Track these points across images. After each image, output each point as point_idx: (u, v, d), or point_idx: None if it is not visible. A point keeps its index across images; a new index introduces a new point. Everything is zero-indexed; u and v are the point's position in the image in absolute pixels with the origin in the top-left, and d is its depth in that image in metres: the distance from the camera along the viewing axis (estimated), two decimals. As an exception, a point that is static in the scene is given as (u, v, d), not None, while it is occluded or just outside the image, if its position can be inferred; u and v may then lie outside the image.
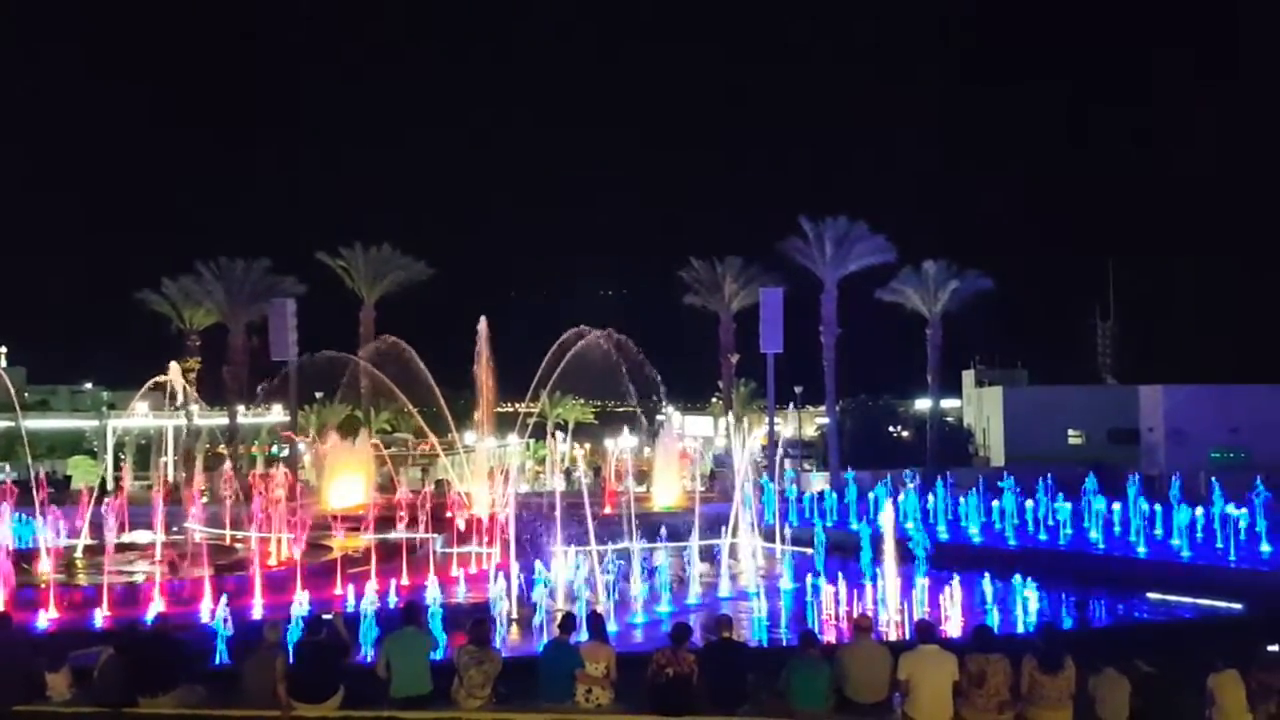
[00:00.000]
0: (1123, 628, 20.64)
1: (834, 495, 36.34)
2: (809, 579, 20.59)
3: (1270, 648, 11.82)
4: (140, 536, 28.09)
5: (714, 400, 54.48)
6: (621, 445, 43.81)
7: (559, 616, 14.76)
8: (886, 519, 22.69)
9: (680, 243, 79.71)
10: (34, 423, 47.97)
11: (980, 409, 61.77)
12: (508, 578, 20.73)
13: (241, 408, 50.77)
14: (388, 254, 54.70)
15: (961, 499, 32.94)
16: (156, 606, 19.49)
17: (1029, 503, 31.20)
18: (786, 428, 59.49)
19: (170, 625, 13.85)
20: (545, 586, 19.91)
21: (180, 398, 42.53)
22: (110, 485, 31.96)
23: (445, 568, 24.09)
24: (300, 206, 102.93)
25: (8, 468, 31.84)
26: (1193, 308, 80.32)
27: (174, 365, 43.85)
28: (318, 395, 56.96)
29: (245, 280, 51.03)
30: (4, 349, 63.86)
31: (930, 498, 33.79)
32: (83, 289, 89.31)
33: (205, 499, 32.89)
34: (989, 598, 19.78)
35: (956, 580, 19.51)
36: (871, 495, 33.07)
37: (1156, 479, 31.17)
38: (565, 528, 23.45)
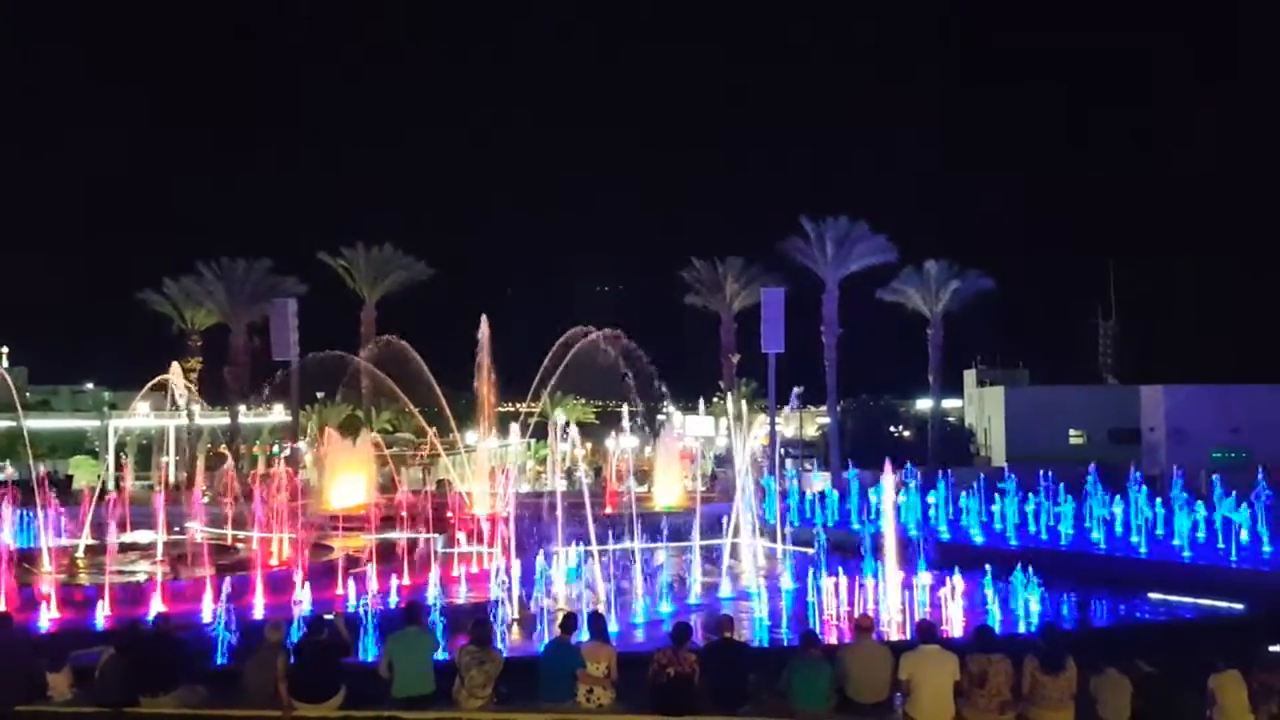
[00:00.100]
0: (1124, 628, 20.61)
1: (835, 495, 36.36)
2: (810, 579, 20.59)
3: (1272, 648, 11.81)
4: (141, 536, 28.12)
5: (715, 400, 54.47)
6: (623, 445, 43.84)
7: (560, 616, 14.76)
8: (888, 497, 22.62)
9: (680, 243, 79.92)
10: (35, 423, 48.00)
11: (981, 409, 61.77)
12: (508, 578, 20.75)
13: (243, 408, 50.82)
14: (389, 254, 54.74)
15: (964, 494, 32.99)
16: (157, 606, 19.48)
17: (1031, 503, 31.20)
18: (787, 428, 59.52)
19: (171, 625, 13.83)
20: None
21: (182, 398, 42.59)
22: (111, 485, 31.95)
23: (447, 567, 24.09)
24: (301, 206, 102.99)
25: (9, 466, 31.84)
26: (1194, 308, 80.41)
27: (175, 365, 43.92)
28: (319, 395, 57.03)
29: (246, 280, 51.08)
30: (5, 349, 63.90)
31: (931, 497, 33.81)
32: (84, 289, 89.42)
33: (207, 499, 32.96)
34: (990, 598, 19.79)
35: (958, 579, 19.50)
36: (872, 496, 33.06)
37: (1158, 479, 31.13)
38: (566, 527, 23.46)
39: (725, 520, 26.58)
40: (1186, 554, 26.26)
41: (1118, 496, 30.16)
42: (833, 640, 17.40)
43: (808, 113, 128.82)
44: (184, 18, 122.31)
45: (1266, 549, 26.54)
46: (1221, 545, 26.78)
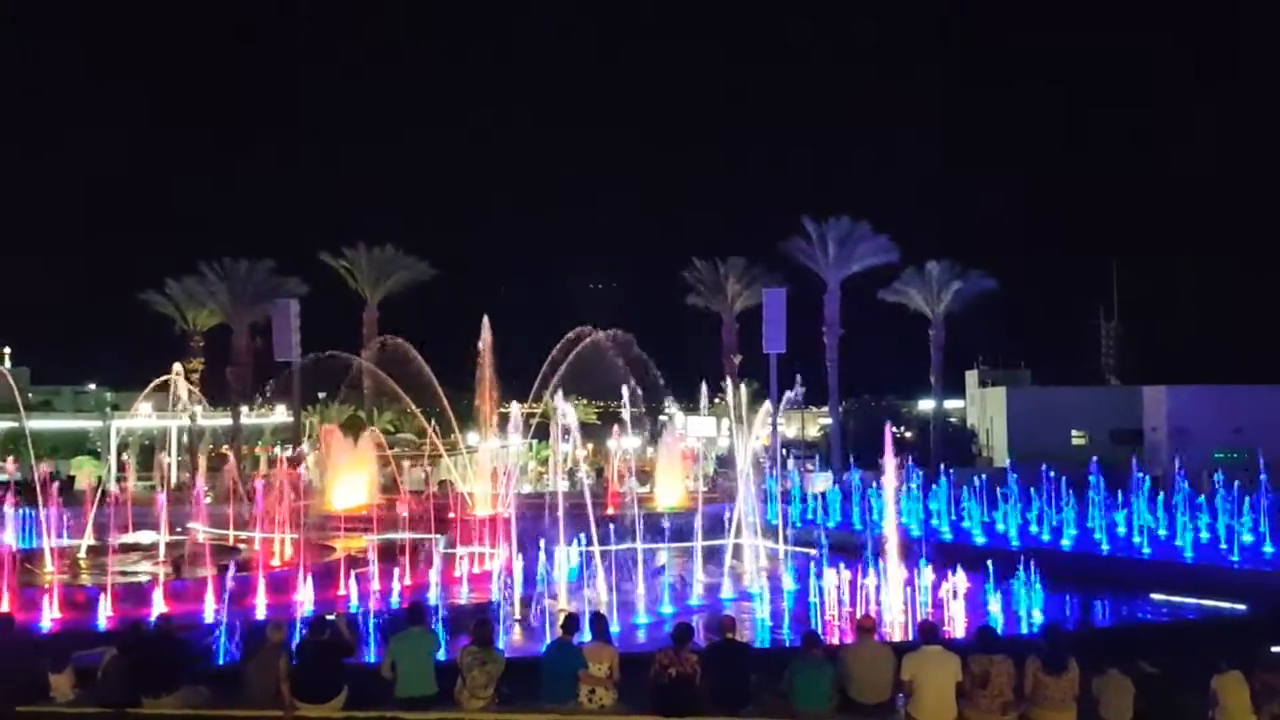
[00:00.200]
0: (1126, 628, 20.60)
1: (837, 495, 36.36)
2: (812, 579, 20.58)
3: (1274, 648, 11.79)
4: (144, 537, 28.14)
5: (716, 401, 54.49)
6: (624, 446, 43.82)
7: (562, 617, 14.76)
8: (889, 497, 22.60)
9: (681, 243, 79.82)
10: (38, 423, 48.05)
11: (984, 409, 61.72)
12: (510, 578, 20.76)
13: (245, 408, 50.86)
14: (390, 254, 54.79)
15: (965, 490, 33.03)
16: (159, 607, 19.50)
17: (1034, 507, 31.21)
18: (790, 428, 59.50)
19: (173, 625, 13.83)
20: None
21: (186, 407, 42.62)
22: (113, 485, 31.99)
23: (448, 568, 24.09)
24: (301, 206, 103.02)
25: (10, 466, 31.86)
26: (1196, 308, 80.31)
27: (178, 366, 43.92)
28: (321, 396, 57.07)
29: (249, 281, 51.12)
30: (8, 350, 63.97)
31: (933, 503, 33.81)
32: (86, 290, 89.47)
33: (209, 499, 33.00)
34: (992, 598, 19.79)
35: (961, 580, 19.49)
36: (873, 496, 33.07)
37: (1160, 479, 31.15)
38: (568, 528, 23.46)
39: (727, 520, 26.58)
40: (1189, 554, 26.26)
41: (1120, 495, 30.16)
42: (835, 641, 17.40)
43: (807, 113, 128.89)
44: (184, 18, 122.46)
45: (1268, 549, 26.55)
46: (1224, 546, 26.77)
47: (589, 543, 22.76)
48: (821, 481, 41.46)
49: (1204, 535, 28.22)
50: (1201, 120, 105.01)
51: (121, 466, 38.25)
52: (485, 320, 38.44)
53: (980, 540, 29.65)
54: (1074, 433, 53.39)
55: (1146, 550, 27.09)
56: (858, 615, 16.59)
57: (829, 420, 55.13)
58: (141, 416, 48.86)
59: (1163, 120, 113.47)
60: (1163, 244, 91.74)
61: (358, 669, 13.12)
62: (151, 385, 41.11)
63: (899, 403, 63.57)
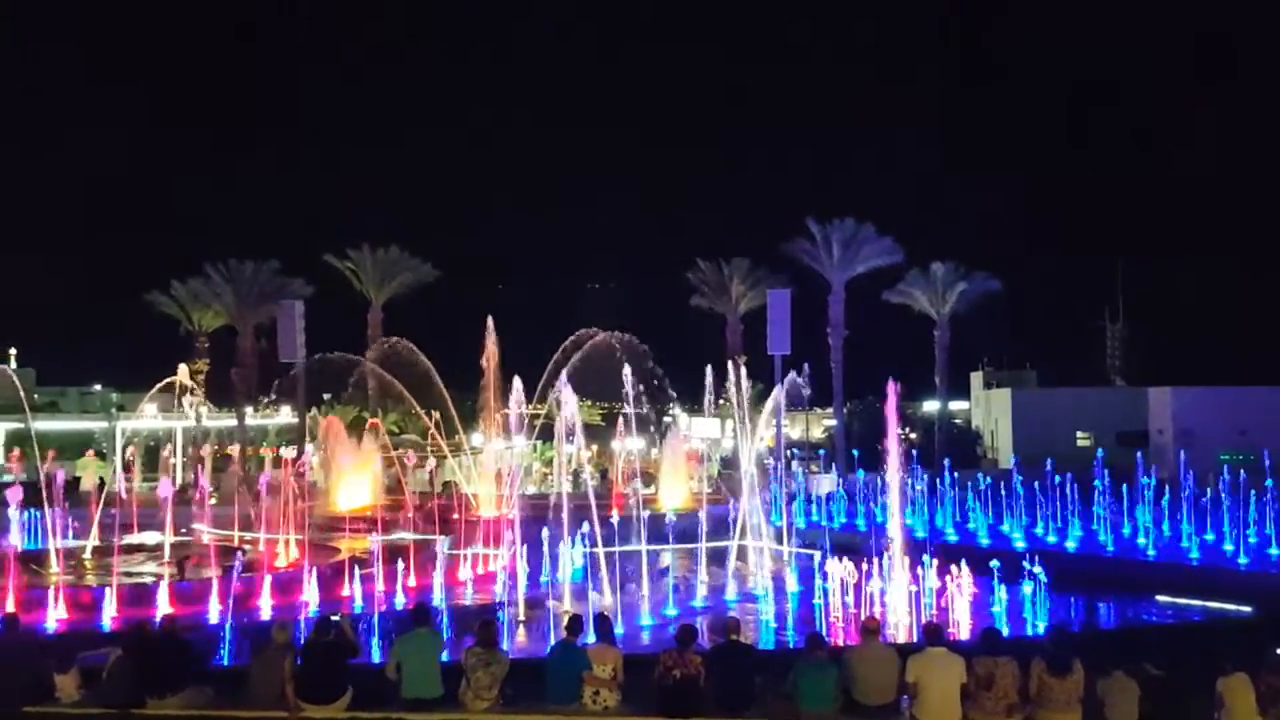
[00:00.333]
0: (1131, 630, 20.54)
1: (843, 496, 36.34)
2: (816, 581, 20.56)
3: (1280, 651, 11.77)
4: (148, 537, 28.18)
5: (720, 402, 54.54)
6: (628, 447, 43.81)
7: (566, 618, 14.76)
8: (893, 498, 22.57)
9: (683, 243, 79.89)
10: (43, 424, 48.15)
11: (989, 411, 61.62)
12: (514, 579, 20.76)
13: (250, 409, 50.92)
14: (395, 255, 54.81)
15: (970, 491, 33.03)
16: (164, 607, 19.53)
17: (1042, 515, 31.18)
18: (794, 429, 59.45)
19: (178, 626, 13.86)
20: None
21: (192, 406, 42.74)
22: (117, 486, 32.00)
23: (453, 569, 24.09)
24: (303, 207, 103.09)
25: (15, 467, 31.95)
26: (1202, 309, 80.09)
27: (182, 367, 43.97)
28: (325, 397, 57.14)
29: (254, 282, 51.17)
30: (13, 351, 64.13)
31: (937, 498, 33.78)
32: (90, 291, 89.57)
33: (214, 500, 33.04)
34: (997, 600, 19.76)
35: (967, 581, 19.47)
36: (877, 496, 33.05)
37: (1166, 481, 31.10)
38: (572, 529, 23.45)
39: (731, 522, 26.57)
40: (1194, 556, 26.20)
41: (1126, 497, 30.11)
42: (839, 642, 17.38)
43: (807, 113, 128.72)
44: (184, 18, 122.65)
45: (1274, 551, 26.48)
46: (1230, 547, 26.71)
47: (593, 544, 22.76)
48: (826, 483, 41.43)
49: (1209, 536, 28.15)
50: (1203, 120, 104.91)
51: (127, 467, 38.30)
52: (489, 321, 38.47)
53: (985, 541, 29.61)
54: (1079, 434, 53.26)
55: (1151, 552, 27.03)
56: (862, 617, 16.59)
57: (833, 421, 55.08)
58: (146, 417, 48.97)
59: (1163, 120, 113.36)
60: (1168, 245, 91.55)
61: (362, 670, 13.14)
62: (157, 386, 41.22)
63: (904, 404, 63.41)
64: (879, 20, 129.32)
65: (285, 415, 53.59)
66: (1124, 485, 30.58)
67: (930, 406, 58.35)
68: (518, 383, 34.03)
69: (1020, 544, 28.30)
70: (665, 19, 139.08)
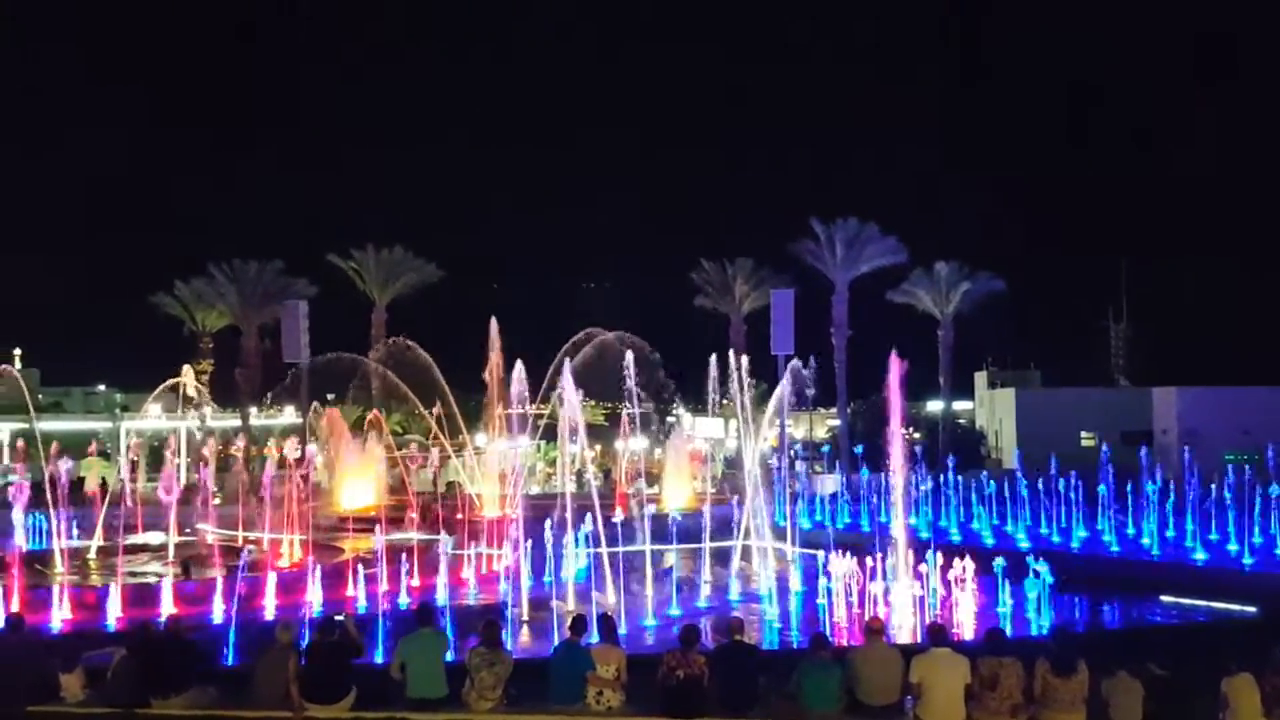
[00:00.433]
0: (1136, 630, 20.51)
1: (846, 496, 36.34)
2: (820, 581, 20.53)
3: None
4: (153, 537, 28.23)
5: (724, 402, 54.55)
6: (632, 447, 43.84)
7: (569, 618, 14.77)
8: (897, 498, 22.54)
9: (686, 244, 79.89)
10: (48, 424, 48.25)
11: (993, 411, 61.56)
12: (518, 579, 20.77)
13: (254, 409, 51.00)
14: (399, 256, 54.86)
15: (974, 491, 33.03)
16: (169, 607, 19.56)
17: (1041, 505, 31.16)
18: (798, 429, 59.40)
19: (182, 626, 13.88)
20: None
21: (197, 408, 42.82)
22: (121, 486, 32.05)
23: (456, 569, 24.10)
24: (311, 208, 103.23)
25: (19, 467, 32.00)
26: (1206, 309, 79.99)
27: (187, 368, 44.10)
28: (329, 397, 57.25)
29: (258, 282, 51.25)
30: (18, 351, 64.31)
31: (941, 498, 33.76)
32: (94, 291, 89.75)
33: (218, 500, 33.08)
34: (1001, 600, 19.74)
35: (970, 582, 19.45)
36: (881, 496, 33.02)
37: (1170, 481, 31.08)
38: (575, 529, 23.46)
39: (735, 522, 26.56)
40: (1199, 556, 26.16)
41: (1131, 497, 30.08)
42: (843, 643, 17.36)
43: (808, 113, 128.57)
44: (186, 18, 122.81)
45: (1280, 551, 26.45)
46: (1234, 547, 26.67)
47: (596, 544, 22.75)
48: (830, 483, 41.42)
49: (1214, 536, 28.11)
50: (1205, 119, 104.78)
51: (132, 467, 38.36)
52: (493, 322, 38.49)
53: (989, 541, 29.58)
54: (1083, 434, 53.19)
55: (1156, 552, 27.00)
56: (866, 617, 16.58)
57: (837, 421, 55.06)
58: (151, 418, 49.07)
59: (1165, 119, 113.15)
60: (1172, 245, 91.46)
61: (366, 669, 13.14)
62: (161, 386, 41.31)
63: (907, 404, 63.32)
64: (879, 20, 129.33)
65: (289, 415, 53.66)
66: (1129, 485, 30.55)
67: (934, 406, 58.29)
68: (519, 368, 33.92)
69: (1024, 544, 28.30)
70: (666, 19, 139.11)
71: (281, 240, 70.61)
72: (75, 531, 28.25)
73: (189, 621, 16.09)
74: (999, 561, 19.85)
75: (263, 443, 52.63)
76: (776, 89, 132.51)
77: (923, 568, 20.09)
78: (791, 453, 39.95)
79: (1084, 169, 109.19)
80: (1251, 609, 20.38)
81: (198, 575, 23.57)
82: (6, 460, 49.50)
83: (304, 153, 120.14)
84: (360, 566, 22.57)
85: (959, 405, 61.70)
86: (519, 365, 33.87)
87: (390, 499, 35.21)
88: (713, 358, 34.75)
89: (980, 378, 66.21)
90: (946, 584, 19.84)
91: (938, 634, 12.02)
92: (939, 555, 20.30)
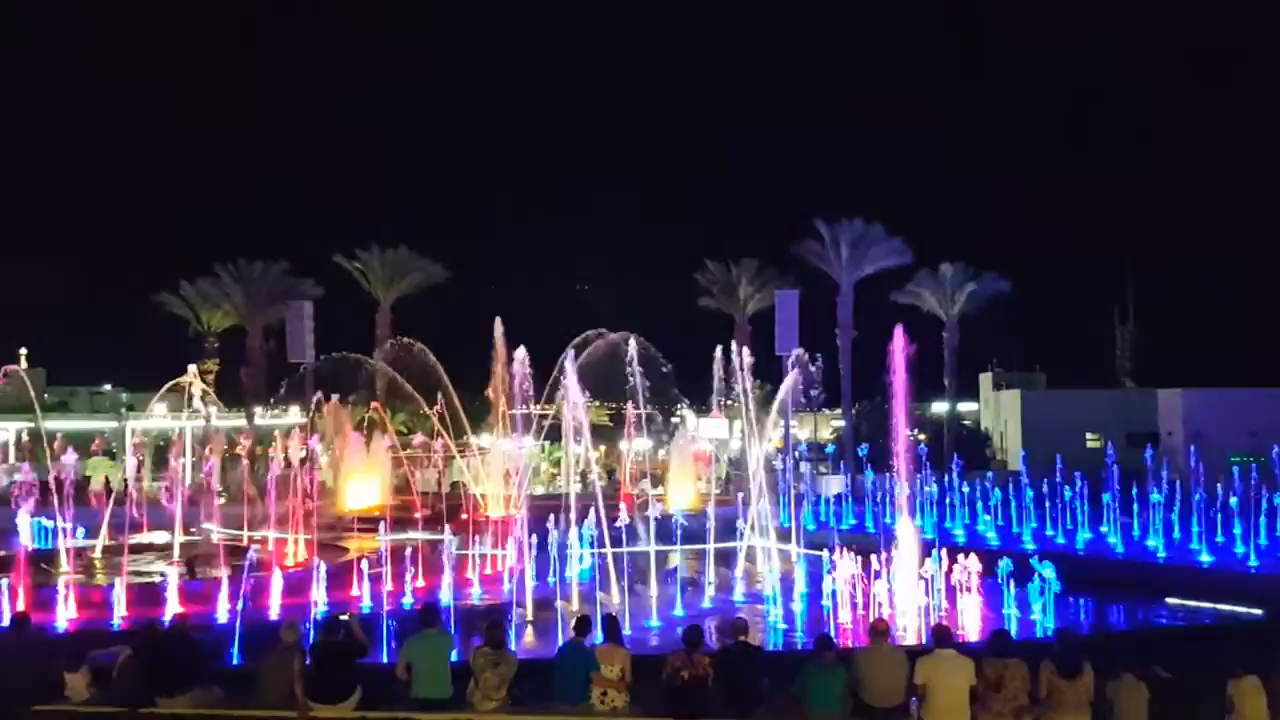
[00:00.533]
0: (1141, 633, 20.48)
1: (851, 497, 36.35)
2: (825, 582, 20.53)
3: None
4: (158, 537, 28.29)
5: (730, 403, 54.55)
6: (636, 447, 43.83)
7: (574, 619, 14.79)
8: (902, 499, 22.55)
9: (689, 245, 79.68)
10: (53, 424, 48.37)
11: (998, 412, 61.50)
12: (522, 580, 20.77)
13: (259, 409, 51.07)
14: (405, 256, 54.92)
15: (979, 492, 33.01)
16: (174, 607, 19.60)
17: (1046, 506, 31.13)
18: (802, 430, 59.36)
19: (188, 625, 13.91)
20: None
21: (202, 406, 42.84)
22: (127, 485, 32.15)
23: (461, 569, 24.11)
24: (315, 208, 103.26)
25: (25, 467, 32.11)
26: (1211, 311, 79.77)
27: (192, 368, 44.15)
28: (334, 397, 57.29)
29: (263, 282, 51.34)
30: (24, 350, 64.45)
31: (947, 500, 33.75)
32: (98, 291, 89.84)
33: (223, 499, 33.13)
34: (1006, 601, 19.71)
35: (974, 582, 19.43)
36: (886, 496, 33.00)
37: (1175, 483, 31.05)
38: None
39: (739, 523, 26.56)
40: (1205, 558, 26.10)
41: (1137, 498, 30.03)
42: (848, 644, 17.35)
43: (809, 113, 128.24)
44: (187, 18, 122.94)
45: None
46: (1240, 549, 26.61)
47: (601, 545, 22.75)
48: (834, 483, 41.40)
49: (1219, 538, 28.05)
50: (1207, 119, 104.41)
51: (138, 467, 38.45)
52: (498, 322, 38.52)
53: (994, 542, 29.56)
54: (1089, 435, 53.13)
55: (1162, 554, 26.94)
56: (871, 618, 16.56)
57: (842, 422, 55.04)
58: (156, 417, 49.12)
59: (1169, 119, 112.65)
60: (1177, 246, 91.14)
61: (371, 669, 13.15)
62: (166, 386, 41.37)
63: (912, 405, 63.19)
64: (880, 20, 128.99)
65: (294, 416, 53.73)
66: (1133, 487, 30.51)
67: (939, 408, 58.25)
68: (522, 353, 33.74)
69: (1029, 545, 28.28)
70: (667, 19, 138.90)
71: (286, 240, 70.60)
72: (80, 531, 28.30)
73: (194, 621, 16.12)
74: (1004, 563, 19.84)
75: (268, 443, 52.80)
76: (777, 89, 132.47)
77: (927, 568, 20.07)
78: (796, 453, 39.89)
79: (1089, 169, 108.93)
80: (1257, 611, 20.35)
81: (203, 575, 23.62)
82: (12, 459, 49.62)
83: (308, 153, 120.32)
84: (365, 566, 22.61)
85: (964, 407, 61.63)
86: (522, 351, 33.67)
87: (395, 499, 35.28)
88: (718, 349, 34.74)
89: (985, 379, 66.13)
90: (951, 585, 19.83)
91: (942, 635, 12.00)
92: (944, 556, 20.31)
